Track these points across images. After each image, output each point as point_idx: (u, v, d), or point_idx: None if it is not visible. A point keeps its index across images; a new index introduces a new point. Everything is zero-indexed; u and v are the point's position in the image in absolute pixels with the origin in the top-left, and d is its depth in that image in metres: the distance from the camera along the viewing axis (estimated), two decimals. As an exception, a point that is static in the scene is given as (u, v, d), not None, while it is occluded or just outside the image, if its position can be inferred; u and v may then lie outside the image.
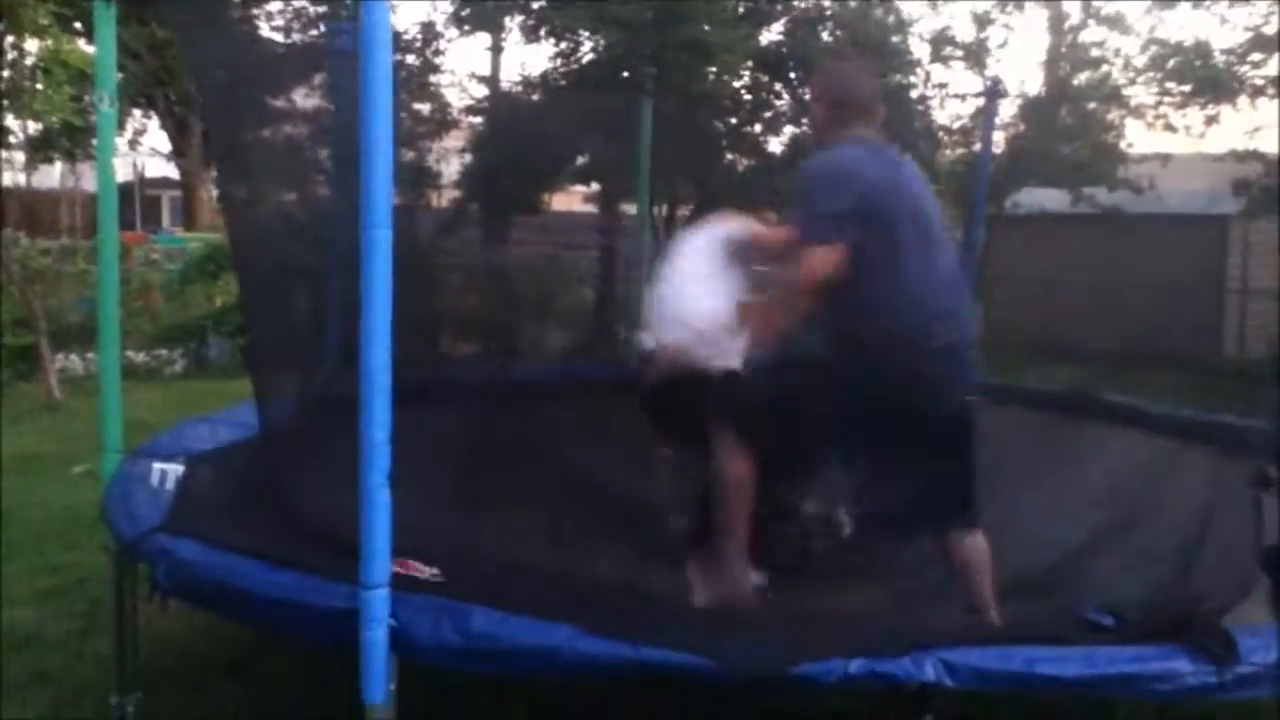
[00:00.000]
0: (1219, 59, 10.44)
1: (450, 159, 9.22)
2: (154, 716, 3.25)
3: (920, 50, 10.98)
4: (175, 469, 3.52)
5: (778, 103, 10.24)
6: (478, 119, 9.83)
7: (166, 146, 20.09)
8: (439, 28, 9.72)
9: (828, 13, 10.24)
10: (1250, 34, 10.53)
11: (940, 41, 11.11)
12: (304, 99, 4.79)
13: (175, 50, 14.73)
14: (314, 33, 8.28)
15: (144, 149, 21.01)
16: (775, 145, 10.32)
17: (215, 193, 17.73)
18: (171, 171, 21.91)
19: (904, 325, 3.04)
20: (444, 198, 9.15)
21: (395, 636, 2.28)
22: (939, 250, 3.17)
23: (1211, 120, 10.70)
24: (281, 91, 4.59)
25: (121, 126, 17.73)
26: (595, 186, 10.65)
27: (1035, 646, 2.25)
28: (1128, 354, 9.50)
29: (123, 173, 19.27)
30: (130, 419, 3.48)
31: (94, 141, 3.43)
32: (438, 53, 9.82)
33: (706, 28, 9.00)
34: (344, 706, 2.33)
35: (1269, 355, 10.90)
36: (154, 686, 3.37)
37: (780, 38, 10.08)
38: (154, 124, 19.74)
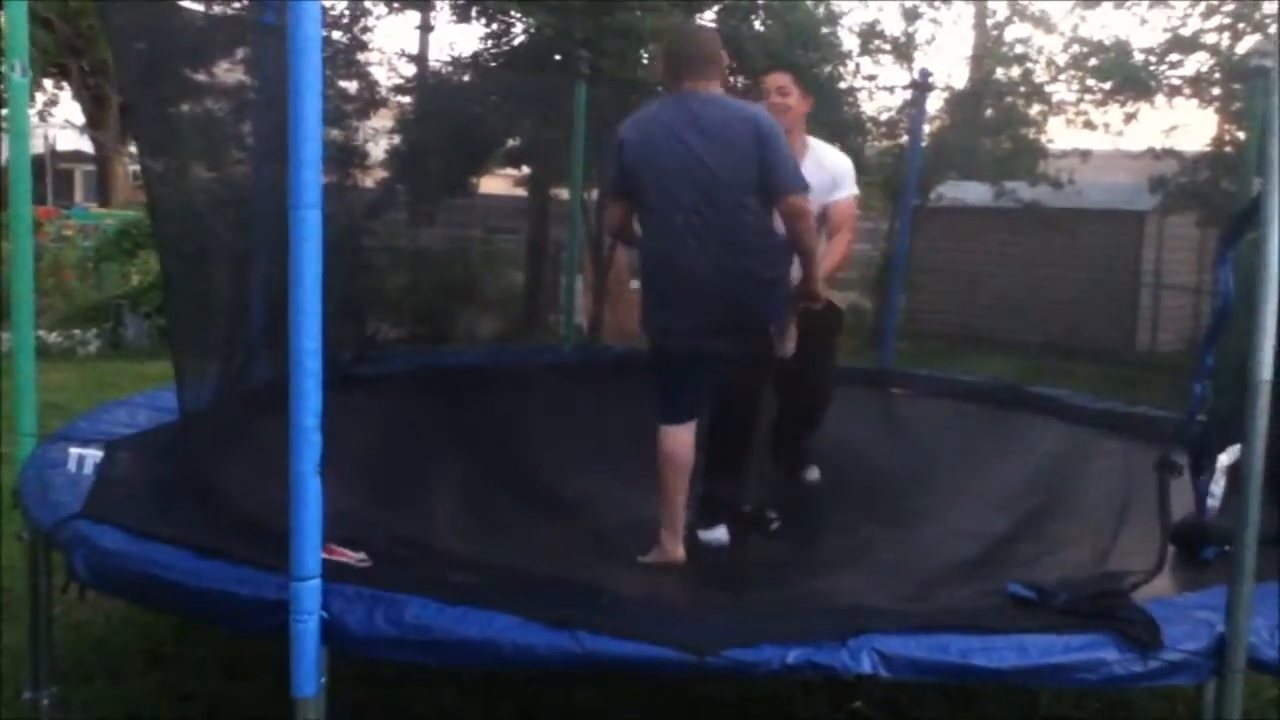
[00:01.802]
0: (1138, 58, 10.69)
1: (378, 139, 9.06)
2: (73, 709, 3.15)
3: (850, 42, 11.10)
4: (93, 454, 3.41)
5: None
6: (406, 98, 9.68)
7: (80, 119, 19.43)
8: (367, 4, 9.56)
9: (760, 1, 10.28)
10: (1169, 35, 10.81)
11: (869, 35, 11.23)
12: (229, 73, 4.66)
13: (90, 19, 14.25)
14: (238, 5, 8.06)
15: (56, 121, 20.28)
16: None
17: (133, 167, 17.24)
18: (85, 145, 21.19)
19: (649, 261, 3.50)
20: (371, 178, 8.99)
21: (327, 628, 2.23)
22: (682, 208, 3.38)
23: (1130, 118, 10.96)
24: (205, 65, 4.45)
25: (31, 98, 17.08)
26: (525, 170, 10.57)
27: (969, 636, 2.28)
28: (1046, 345, 9.74)
29: (33, 145, 18.57)
30: (43, 401, 3.36)
31: (3, 112, 3.29)
32: (365, 30, 9.66)
33: (639, 13, 8.97)
34: (273, 697, 2.28)
35: (1180, 348, 11.26)
36: (72, 679, 3.27)
37: (713, 25, 10.10)
38: (66, 95, 19.08)
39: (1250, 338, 2.32)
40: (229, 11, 7.71)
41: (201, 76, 4.57)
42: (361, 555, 2.64)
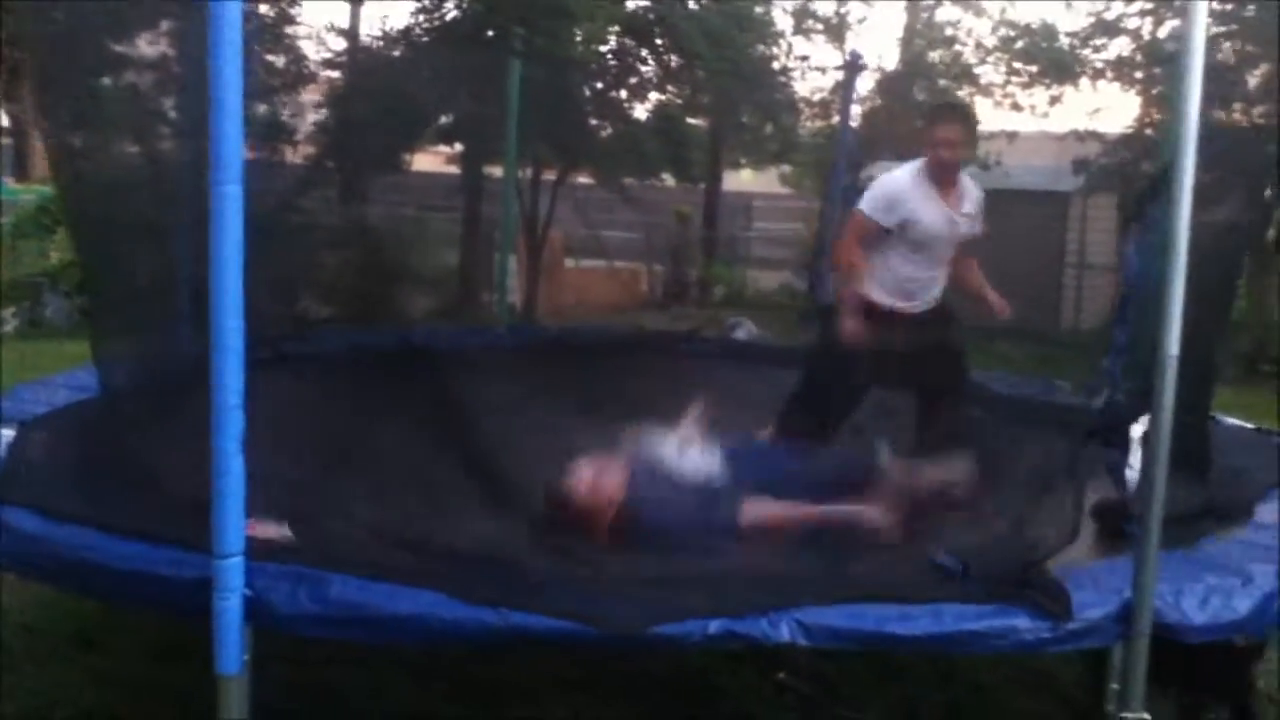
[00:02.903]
0: (1064, 42, 10.90)
1: (306, 114, 8.89)
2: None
3: (783, 22, 11.18)
4: (5, 434, 3.34)
5: (643, 69, 10.25)
6: (336, 73, 9.52)
7: (-6, 91, 18.78)
8: (295, -24, 9.35)
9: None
10: (1093, 19, 11.03)
11: (802, 14, 11.33)
12: (149, 45, 4.55)
13: (4, -12, 13.76)
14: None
15: (-33, 93, 19.58)
16: (640, 111, 10.36)
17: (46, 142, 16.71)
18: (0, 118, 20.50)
19: None
20: (298, 154, 8.83)
21: (251, 605, 2.22)
22: None
23: (1055, 100, 11.19)
24: (124, 36, 4.34)
25: (-57, 68, 16.49)
26: (459, 147, 10.48)
27: (886, 605, 2.33)
28: (972, 325, 9.91)
29: (-55, 118, 17.96)
30: (-44, 382, 3.29)
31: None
32: (293, 2, 9.46)
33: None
34: (201, 679, 2.26)
35: (1102, 327, 11.53)
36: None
37: (647, 4, 10.09)
38: (-20, 67, 18.44)
39: (1159, 314, 2.39)
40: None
41: (123, 48, 4.46)
42: (285, 530, 2.62)
